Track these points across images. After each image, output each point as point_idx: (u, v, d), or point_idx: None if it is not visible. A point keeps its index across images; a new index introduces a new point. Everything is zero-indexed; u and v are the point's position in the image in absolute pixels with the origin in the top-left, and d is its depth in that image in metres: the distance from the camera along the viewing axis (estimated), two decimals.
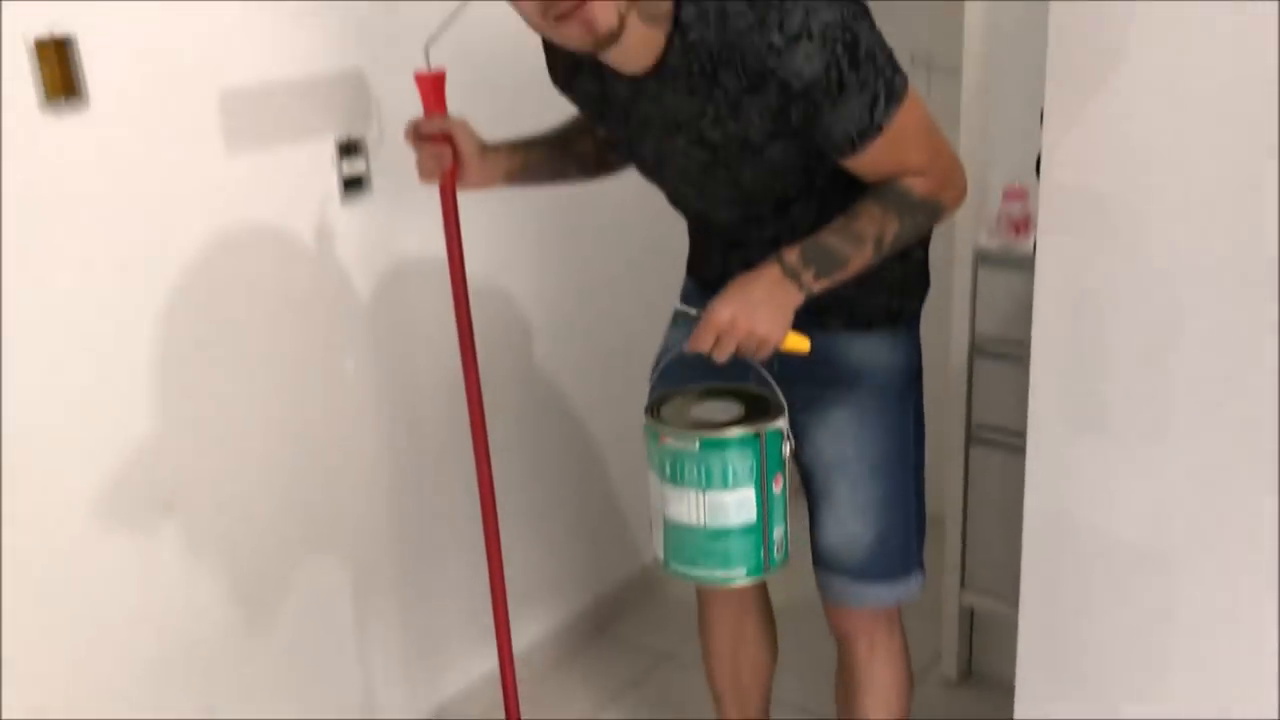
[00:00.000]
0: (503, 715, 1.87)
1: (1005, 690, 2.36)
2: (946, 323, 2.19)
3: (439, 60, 1.57)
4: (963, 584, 2.32)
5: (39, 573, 1.63)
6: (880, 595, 1.69)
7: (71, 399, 1.64)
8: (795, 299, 1.42)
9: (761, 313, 1.40)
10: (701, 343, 1.41)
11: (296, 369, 1.92)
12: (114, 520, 1.71)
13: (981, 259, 2.14)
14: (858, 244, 1.43)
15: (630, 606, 2.72)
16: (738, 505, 1.50)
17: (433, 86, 1.61)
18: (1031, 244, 2.06)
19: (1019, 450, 2.15)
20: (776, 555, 1.54)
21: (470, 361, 1.72)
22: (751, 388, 1.55)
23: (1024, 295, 2.07)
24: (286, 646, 1.98)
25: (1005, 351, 2.13)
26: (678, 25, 1.38)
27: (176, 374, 1.76)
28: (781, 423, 1.49)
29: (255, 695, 1.94)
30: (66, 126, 1.58)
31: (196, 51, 1.70)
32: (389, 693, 2.19)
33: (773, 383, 1.50)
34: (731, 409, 1.52)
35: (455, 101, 1.61)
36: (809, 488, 1.68)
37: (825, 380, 1.60)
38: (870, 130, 1.38)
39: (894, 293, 1.60)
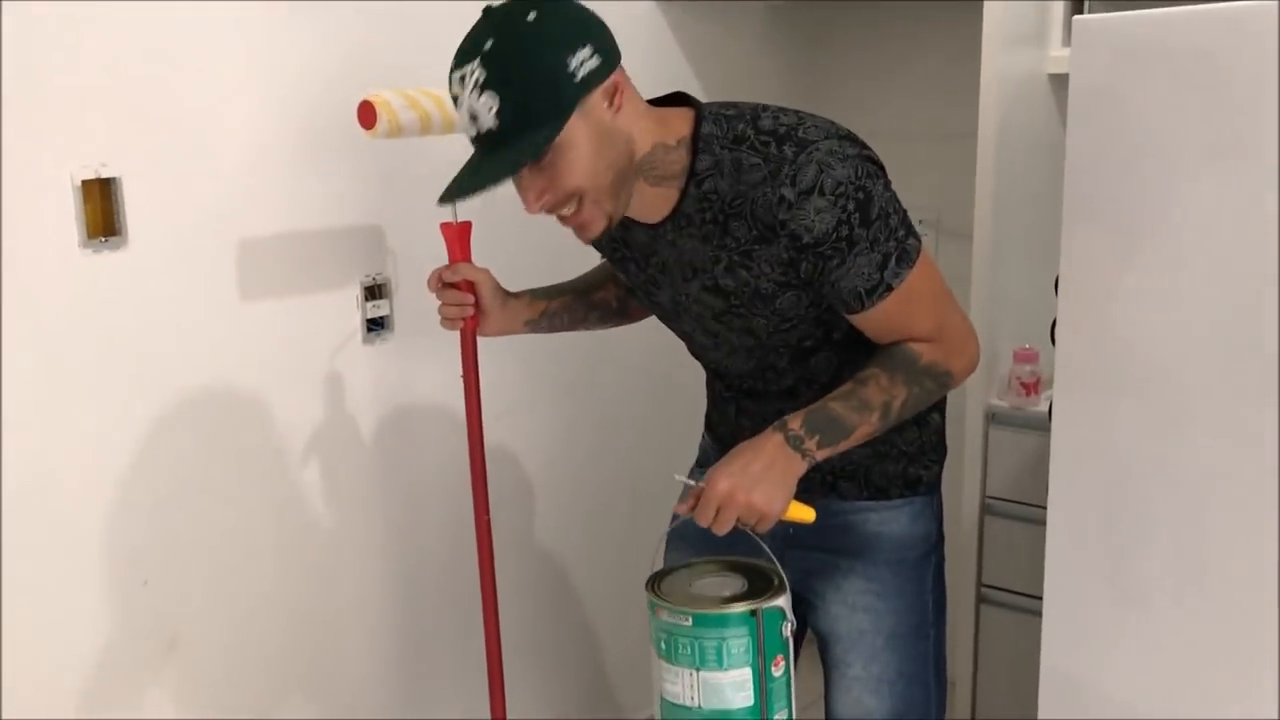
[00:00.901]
0: None
1: None
2: (958, 482, 2.19)
3: (463, 210, 1.62)
4: None
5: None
6: None
7: (83, 532, 1.65)
8: (798, 468, 1.38)
9: (762, 485, 1.36)
10: (702, 516, 1.38)
11: (305, 507, 1.93)
12: (121, 659, 1.69)
13: (992, 419, 2.16)
14: (864, 411, 1.41)
15: None
16: (734, 687, 1.44)
17: (458, 235, 1.65)
18: (1042, 404, 2.09)
19: (1029, 611, 2.16)
20: None
21: (482, 502, 1.73)
22: (758, 562, 1.51)
23: (1034, 455, 2.10)
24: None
25: (1016, 512, 2.14)
26: (692, 174, 1.41)
27: (186, 508, 1.76)
28: (782, 601, 1.43)
29: None
30: (105, 263, 1.62)
31: (231, 195, 1.76)
32: None
33: (772, 556, 1.45)
34: (733, 584, 1.48)
35: (478, 250, 1.66)
36: (823, 656, 1.65)
37: (840, 548, 1.58)
38: (879, 289, 1.39)
39: (911, 460, 1.58)
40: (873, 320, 1.42)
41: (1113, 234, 1.34)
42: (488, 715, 2.04)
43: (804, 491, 1.41)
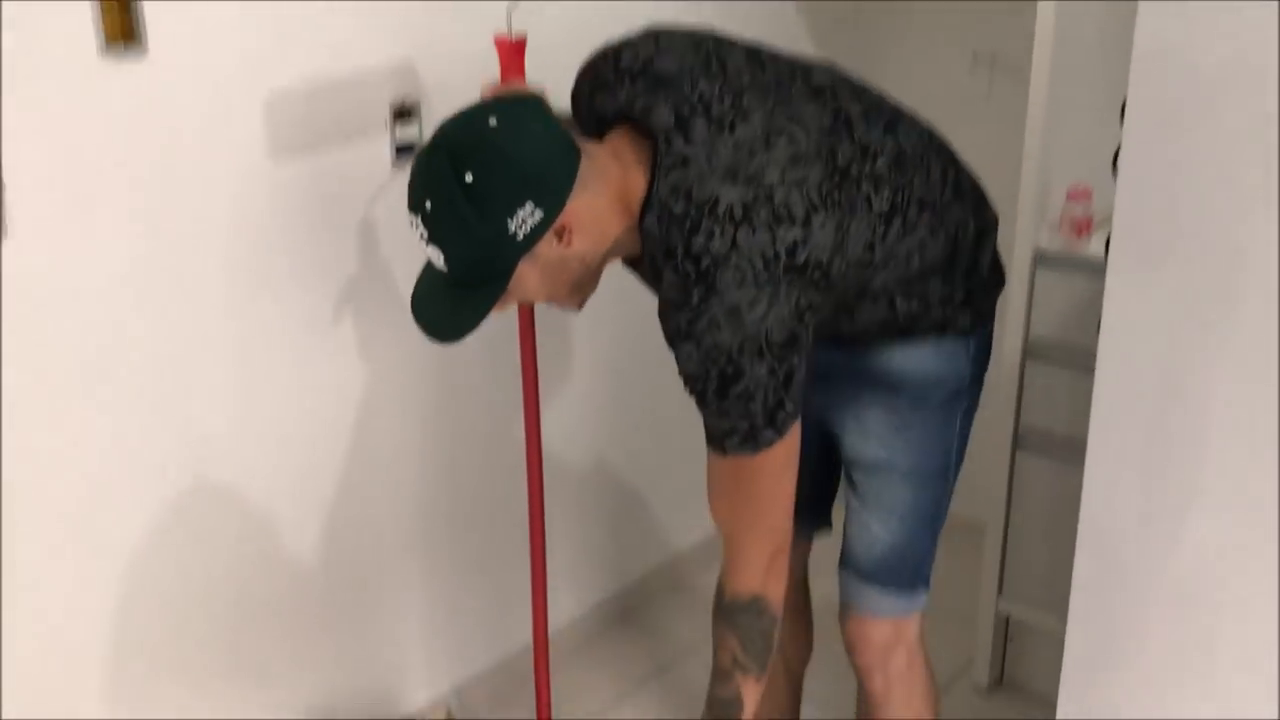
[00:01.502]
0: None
1: (1037, 699, 2.34)
2: (1000, 324, 2.13)
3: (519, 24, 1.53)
4: (1000, 591, 2.28)
5: (61, 525, 1.62)
6: (880, 604, 1.66)
7: (106, 342, 1.63)
8: None
9: None
10: None
11: (337, 331, 1.90)
12: (137, 472, 1.70)
13: (1040, 260, 2.09)
14: (726, 679, 1.48)
15: (657, 596, 2.69)
16: None
17: (513, 52, 1.58)
18: (1093, 246, 2.02)
19: (1067, 458, 2.12)
20: None
21: (528, 330, 1.71)
22: None
23: (1083, 299, 2.03)
24: (313, 613, 1.96)
25: (1060, 356, 2.08)
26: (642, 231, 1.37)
27: (215, 330, 1.74)
28: None
29: (276, 661, 1.92)
30: (125, 74, 1.56)
31: (256, 8, 1.69)
32: (412, 667, 2.17)
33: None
34: None
35: None
36: (846, 481, 1.66)
37: (864, 381, 1.56)
38: (715, 441, 1.38)
39: (939, 305, 1.51)
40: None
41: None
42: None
43: (830, 346, 1.44)
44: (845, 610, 1.70)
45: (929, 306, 1.50)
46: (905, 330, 1.51)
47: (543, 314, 1.72)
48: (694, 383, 1.35)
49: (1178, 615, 1.40)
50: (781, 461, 1.40)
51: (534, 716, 1.91)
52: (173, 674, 1.78)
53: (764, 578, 1.46)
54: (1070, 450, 2.11)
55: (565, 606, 2.45)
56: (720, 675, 1.50)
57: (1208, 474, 1.32)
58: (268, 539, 1.88)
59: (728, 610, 1.47)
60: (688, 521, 2.63)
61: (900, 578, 1.65)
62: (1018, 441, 2.18)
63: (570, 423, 2.35)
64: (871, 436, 1.57)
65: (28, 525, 1.58)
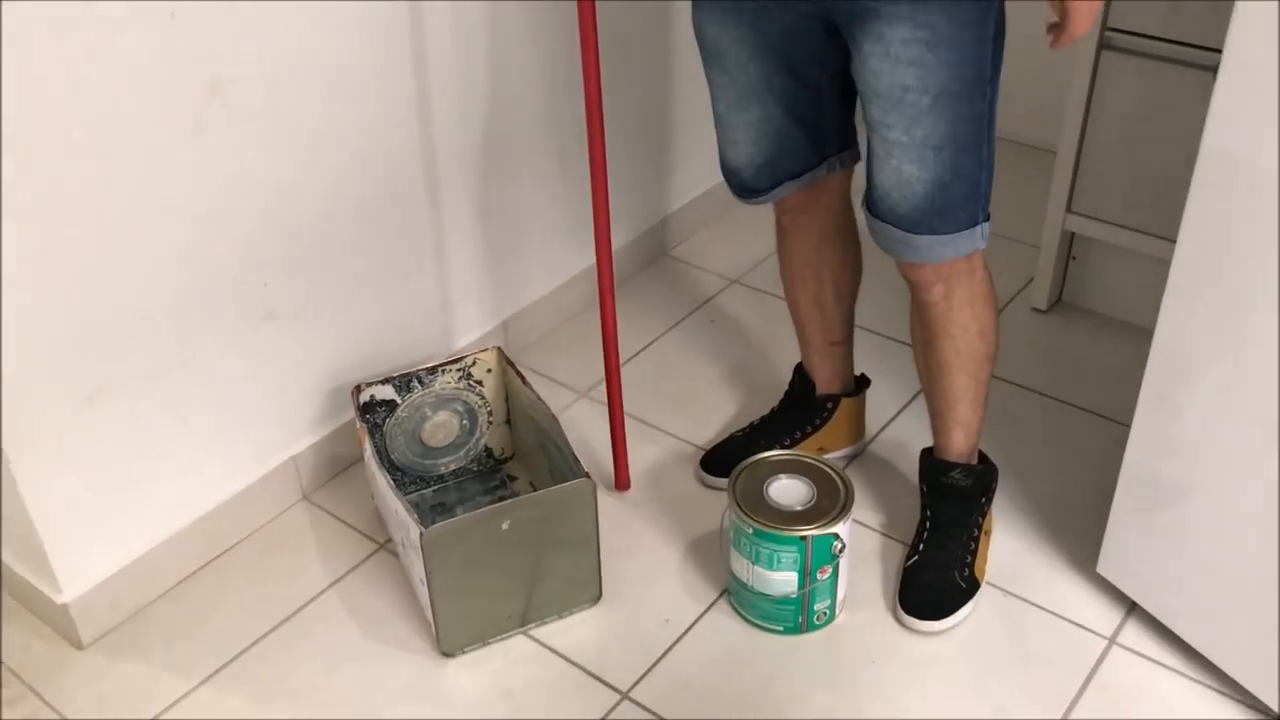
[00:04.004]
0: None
1: (1095, 319, 2.28)
2: None
3: None
4: (1069, 207, 2.15)
5: (87, 152, 1.51)
6: (938, 249, 1.48)
7: None
8: None
9: None
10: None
11: None
12: (160, 100, 1.55)
13: None
14: None
15: (698, 227, 2.60)
16: (782, 583, 1.64)
17: None
18: None
19: (1157, 58, 1.93)
20: (818, 621, 1.68)
21: None
22: (835, 468, 1.67)
23: None
24: (363, 248, 1.88)
25: None
26: None
27: None
28: (838, 527, 1.60)
29: (320, 297, 1.86)
30: None
31: None
32: (464, 301, 2.12)
33: (844, 477, 1.64)
34: (802, 494, 1.64)
35: None
36: (865, 115, 1.45)
37: None
38: None
39: None
40: None
41: None
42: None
43: None
44: (900, 266, 1.56)
45: None
46: None
47: None
48: None
49: None
50: None
51: (601, 340, 1.84)
52: (211, 320, 1.72)
53: None
54: (1159, 55, 1.91)
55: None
56: None
57: None
58: (306, 183, 1.75)
59: None
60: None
61: (954, 216, 1.46)
62: (1103, 41, 1.97)
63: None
64: (897, 60, 1.36)
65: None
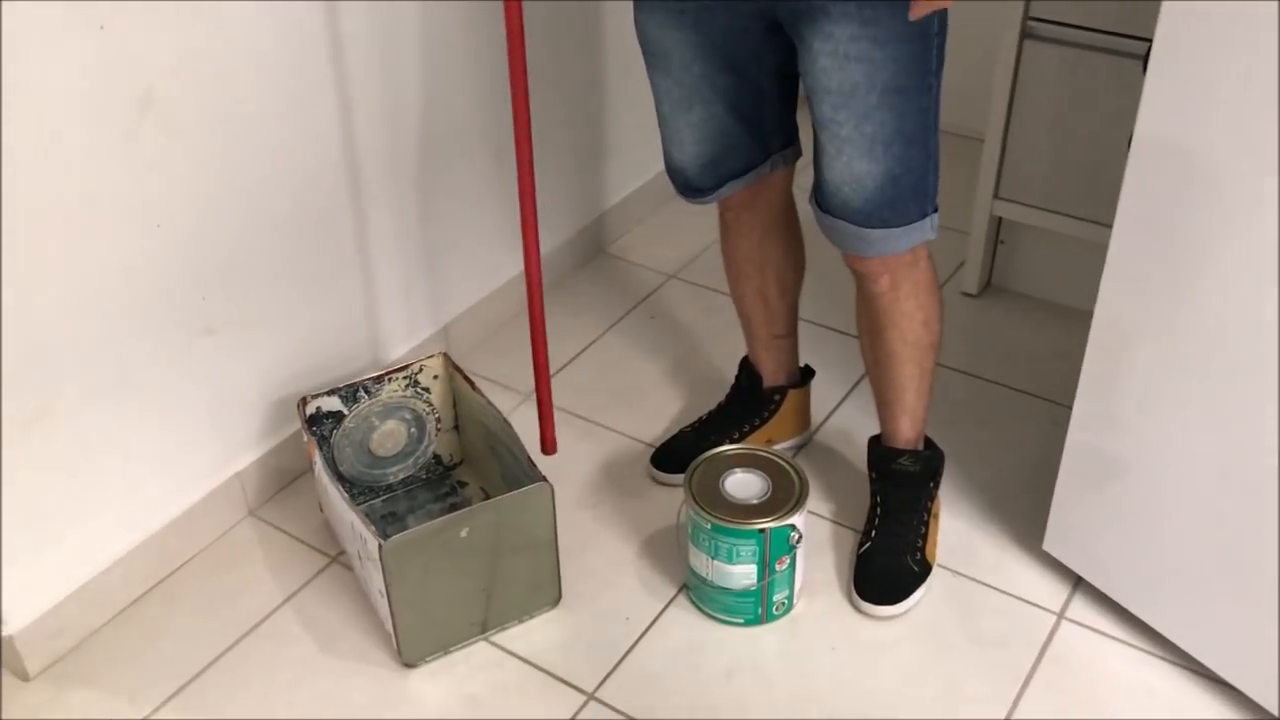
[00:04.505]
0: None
1: (1024, 302, 2.34)
2: None
3: None
4: (996, 193, 2.20)
5: (18, 171, 1.46)
6: (891, 242, 1.51)
7: None
8: None
9: None
10: None
11: None
12: (92, 113, 1.51)
13: None
14: None
15: (634, 223, 2.61)
16: (741, 576, 1.65)
17: None
18: None
19: (1078, 46, 1.98)
20: (777, 611, 1.70)
21: None
22: (788, 460, 1.69)
23: None
24: (298, 258, 1.85)
25: None
26: None
27: None
28: (795, 518, 1.62)
29: (259, 310, 1.83)
30: None
31: None
32: (404, 307, 2.10)
33: (798, 468, 1.66)
34: (758, 488, 1.65)
35: None
36: (813, 113, 1.47)
37: None
38: None
39: None
40: None
41: None
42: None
43: None
44: (849, 259, 1.58)
45: None
46: None
47: None
48: None
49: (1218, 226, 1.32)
50: None
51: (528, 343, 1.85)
52: (150, 337, 1.68)
53: None
54: (1080, 43, 1.97)
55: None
56: None
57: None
58: (239, 194, 1.72)
59: None
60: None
61: (905, 208, 1.49)
62: (1025, 30, 2.02)
63: (542, 45, 2.15)
64: (845, 57, 1.38)
65: None
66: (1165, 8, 1.28)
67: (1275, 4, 1.18)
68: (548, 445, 1.87)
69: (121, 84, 1.53)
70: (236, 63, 1.65)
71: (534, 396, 1.80)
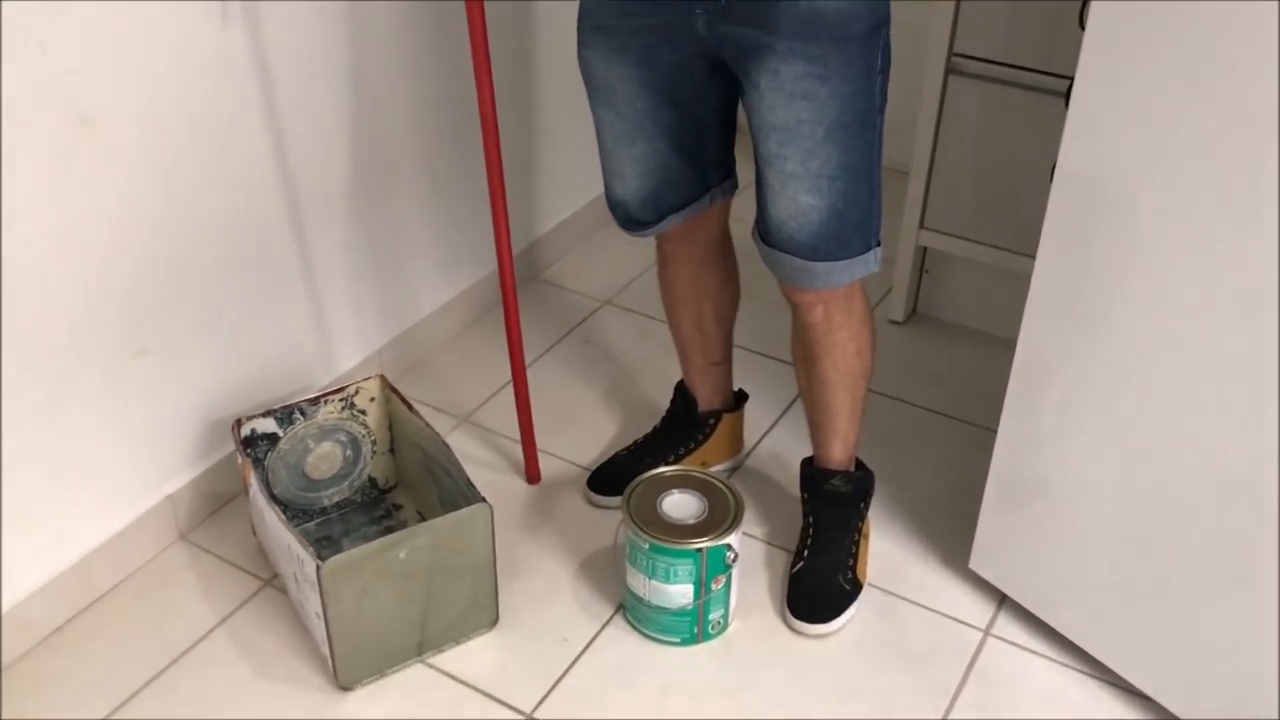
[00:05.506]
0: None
1: (949, 329, 2.40)
2: None
3: None
4: (922, 223, 2.27)
5: None
6: (835, 275, 1.54)
7: None
8: None
9: None
10: None
11: None
12: (26, 132, 1.50)
13: None
14: None
15: (567, 250, 2.63)
16: (678, 595, 1.68)
17: None
18: None
19: (1000, 82, 2.06)
20: (713, 630, 1.73)
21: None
22: (724, 481, 1.73)
23: None
24: (232, 279, 1.84)
25: None
26: None
27: None
28: (731, 538, 1.65)
29: (193, 331, 1.82)
30: None
31: None
32: (340, 325, 2.10)
33: (734, 489, 1.70)
34: (694, 508, 1.68)
35: None
36: (756, 149, 1.50)
37: (776, 20, 1.38)
38: None
39: None
40: None
41: None
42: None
43: None
44: (790, 290, 1.61)
45: None
46: None
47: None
48: None
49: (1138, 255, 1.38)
50: None
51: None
52: (82, 358, 1.66)
53: None
54: (1003, 78, 2.05)
55: (471, 271, 2.37)
56: None
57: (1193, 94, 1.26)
58: (173, 215, 1.71)
59: None
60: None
61: (850, 242, 1.52)
62: (950, 67, 2.09)
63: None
64: (791, 94, 1.42)
65: None
66: (1086, 45, 1.35)
67: (1192, 45, 1.25)
68: (531, 474, 1.97)
69: (58, 102, 1.52)
70: (170, 88, 1.65)
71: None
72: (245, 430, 1.79)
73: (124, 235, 1.66)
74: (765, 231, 1.56)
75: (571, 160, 2.52)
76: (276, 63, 1.79)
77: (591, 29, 1.53)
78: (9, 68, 1.44)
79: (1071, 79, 1.38)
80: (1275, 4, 1.17)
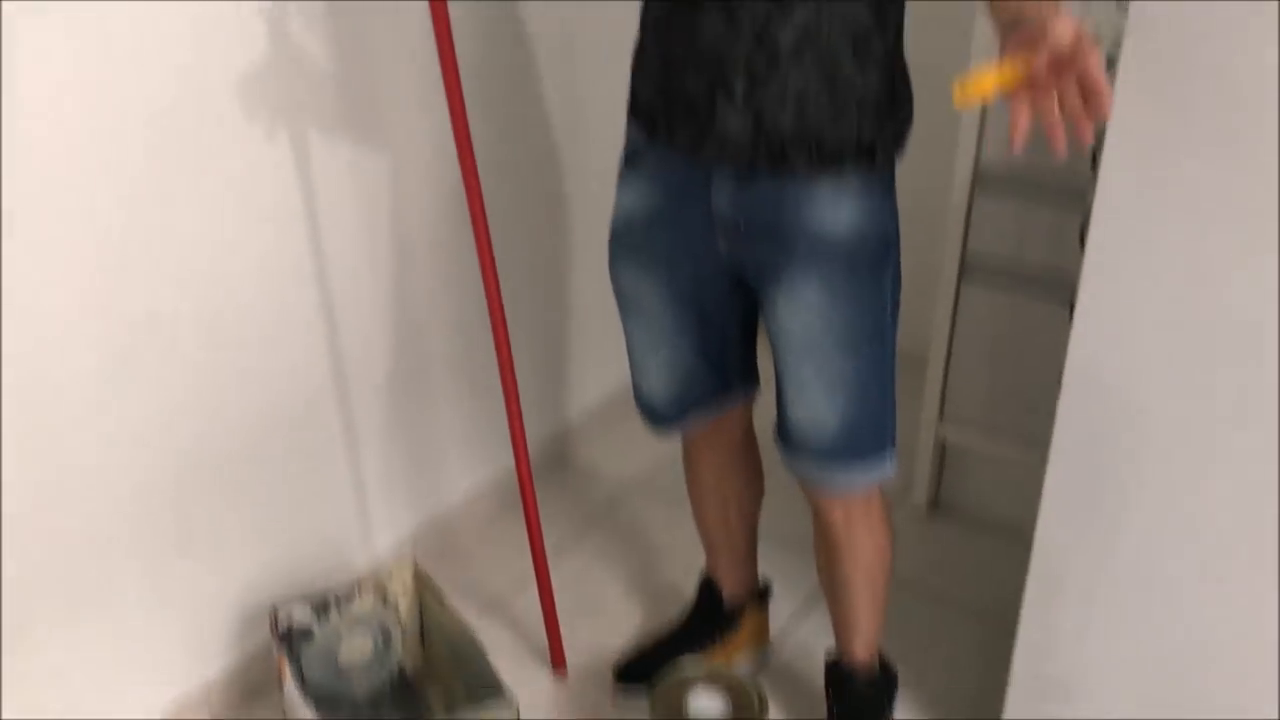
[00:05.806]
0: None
1: (970, 520, 2.43)
2: (950, 151, 2.12)
3: None
4: (941, 416, 2.33)
5: (13, 393, 1.54)
6: (850, 480, 1.62)
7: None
8: None
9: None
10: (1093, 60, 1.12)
11: (277, 172, 1.81)
12: (90, 330, 1.61)
13: None
14: None
15: (596, 437, 2.70)
16: None
17: None
18: None
19: (1011, 288, 2.15)
20: None
21: (469, 165, 1.65)
22: (748, 681, 1.78)
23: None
24: (267, 469, 1.93)
25: (1007, 187, 2.08)
26: None
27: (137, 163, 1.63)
28: None
29: (234, 520, 1.89)
30: None
31: None
32: (378, 511, 2.17)
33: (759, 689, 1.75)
34: (718, 708, 1.74)
35: None
36: (775, 358, 1.59)
37: (791, 245, 1.48)
38: None
39: (869, 114, 1.41)
40: None
41: None
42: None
43: (751, 159, 1.41)
44: (810, 491, 1.68)
45: (856, 108, 1.40)
46: (835, 158, 1.42)
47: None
48: None
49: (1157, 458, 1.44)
50: None
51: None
52: (129, 554, 1.74)
53: None
54: (1015, 281, 2.14)
55: (498, 458, 2.45)
56: None
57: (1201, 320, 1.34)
58: (231, 416, 1.81)
59: None
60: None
61: (863, 447, 1.59)
62: (964, 271, 2.19)
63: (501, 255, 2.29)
64: (806, 310, 1.51)
65: None
66: (1088, 261, 1.43)
67: (1191, 250, 1.33)
68: (557, 662, 2.00)
69: (121, 304, 1.63)
70: (236, 296, 1.77)
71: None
72: (281, 623, 1.84)
73: (178, 433, 1.75)
74: (784, 434, 1.64)
75: (602, 349, 2.62)
76: (328, 263, 1.92)
77: (622, 248, 1.64)
78: (85, 260, 1.55)
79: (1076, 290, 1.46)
80: (1275, 221, 1.25)
